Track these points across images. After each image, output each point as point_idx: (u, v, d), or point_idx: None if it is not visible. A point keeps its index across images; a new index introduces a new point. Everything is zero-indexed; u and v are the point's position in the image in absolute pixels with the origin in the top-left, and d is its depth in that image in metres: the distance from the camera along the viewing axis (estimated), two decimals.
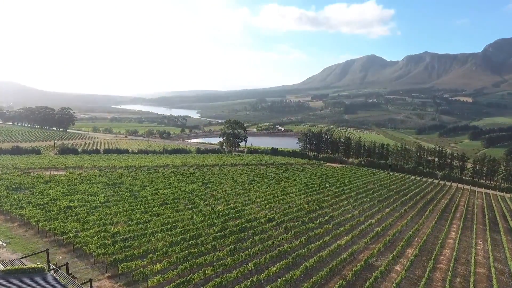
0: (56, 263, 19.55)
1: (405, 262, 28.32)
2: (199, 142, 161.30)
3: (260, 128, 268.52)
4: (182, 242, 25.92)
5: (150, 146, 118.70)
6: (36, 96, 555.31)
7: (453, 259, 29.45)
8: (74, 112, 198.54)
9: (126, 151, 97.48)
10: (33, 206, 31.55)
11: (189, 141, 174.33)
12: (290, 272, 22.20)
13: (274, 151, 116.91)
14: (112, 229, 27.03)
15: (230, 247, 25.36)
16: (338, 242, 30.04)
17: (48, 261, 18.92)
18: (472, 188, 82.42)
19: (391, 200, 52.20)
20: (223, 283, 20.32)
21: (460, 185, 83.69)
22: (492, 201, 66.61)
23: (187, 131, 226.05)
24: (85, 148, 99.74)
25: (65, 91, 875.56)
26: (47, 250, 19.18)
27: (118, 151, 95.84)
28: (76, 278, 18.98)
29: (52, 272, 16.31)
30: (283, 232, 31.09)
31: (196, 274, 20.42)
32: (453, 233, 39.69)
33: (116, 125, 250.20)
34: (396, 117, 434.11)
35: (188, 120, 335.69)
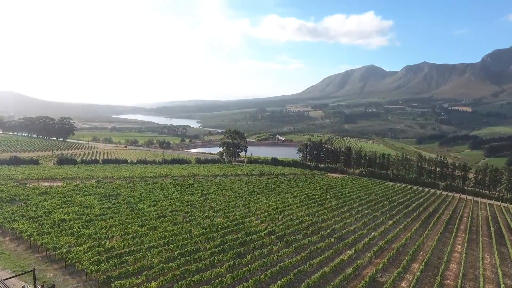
0: (43, 284, 18.51)
1: (411, 278, 27.25)
2: (199, 152, 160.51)
3: (260, 138, 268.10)
4: (179, 257, 24.95)
5: (150, 156, 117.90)
6: (37, 106, 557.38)
7: (460, 275, 28.36)
8: (74, 122, 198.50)
9: (125, 161, 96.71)
10: (26, 219, 30.66)
11: (189, 151, 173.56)
12: None
13: (274, 161, 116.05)
14: (107, 244, 26.09)
15: (229, 263, 24.38)
16: (341, 257, 29.02)
17: (35, 282, 17.89)
18: (475, 198, 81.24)
19: (394, 211, 51.17)
20: None
21: (462, 196, 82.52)
22: (496, 212, 65.43)
23: (187, 140, 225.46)
24: (84, 158, 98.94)
25: (66, 101, 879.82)
26: (33, 270, 18.12)
27: (117, 161, 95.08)
28: None
29: None
30: (284, 246, 30.09)
31: None
32: (459, 246, 38.59)
33: (116, 134, 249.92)
34: (396, 126, 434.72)
35: (188, 130, 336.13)
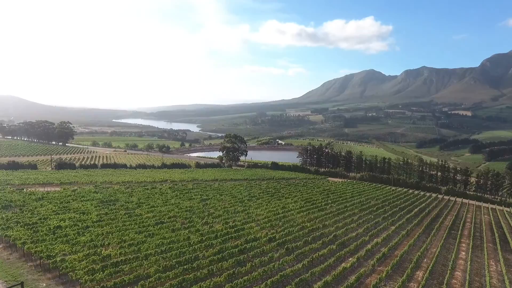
0: None
1: (415, 287, 26.48)
2: (199, 156, 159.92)
3: (260, 142, 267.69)
4: (177, 266, 24.20)
5: (149, 160, 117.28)
6: (37, 110, 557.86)
7: (467, 284, 27.58)
8: (74, 126, 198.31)
9: (124, 166, 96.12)
10: (21, 226, 29.94)
11: (188, 155, 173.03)
12: None
13: (275, 166, 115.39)
14: (102, 252, 25.35)
15: (229, 271, 23.63)
16: (344, 264, 28.27)
17: None
18: (477, 203, 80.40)
19: (396, 217, 50.38)
20: None
21: (464, 200, 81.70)
22: (499, 217, 64.59)
23: (186, 145, 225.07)
24: (83, 162, 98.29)
25: (66, 105, 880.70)
26: (21, 283, 17.34)
27: (116, 166, 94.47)
28: None
29: None
30: (285, 254, 29.34)
31: None
32: (463, 253, 37.79)
33: (116, 139, 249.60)
34: (396, 130, 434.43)
35: (188, 134, 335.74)
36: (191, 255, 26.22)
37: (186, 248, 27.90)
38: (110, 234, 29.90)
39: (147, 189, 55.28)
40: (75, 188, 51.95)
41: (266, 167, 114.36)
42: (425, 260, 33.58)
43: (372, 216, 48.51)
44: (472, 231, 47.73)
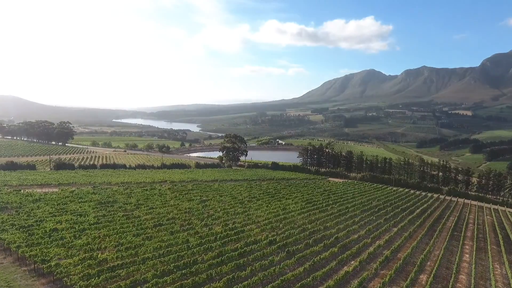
0: None
1: None
2: (199, 157, 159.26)
3: (260, 142, 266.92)
4: (175, 270, 23.57)
5: (149, 160, 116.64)
6: (37, 110, 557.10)
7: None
8: (73, 126, 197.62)
9: (124, 166, 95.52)
10: (16, 229, 29.34)
11: (188, 155, 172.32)
12: None
13: (275, 166, 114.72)
14: (99, 256, 24.72)
15: (228, 276, 23.01)
16: (346, 268, 27.64)
17: None
18: (479, 203, 79.71)
19: (398, 218, 49.72)
20: None
21: (466, 201, 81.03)
22: (502, 218, 63.91)
23: (187, 145, 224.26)
24: (82, 163, 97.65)
25: (67, 105, 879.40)
26: None
27: (115, 166, 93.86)
28: None
29: None
30: (285, 257, 28.71)
31: None
32: (467, 255, 37.15)
33: (116, 139, 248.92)
34: (396, 130, 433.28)
35: (189, 134, 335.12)
36: (189, 259, 25.61)
37: (184, 252, 27.28)
38: (107, 237, 29.28)
39: (146, 190, 54.65)
40: (73, 189, 51.34)
41: (266, 167, 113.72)
42: (429, 263, 32.95)
43: (374, 218, 47.88)
44: (475, 233, 47.05)
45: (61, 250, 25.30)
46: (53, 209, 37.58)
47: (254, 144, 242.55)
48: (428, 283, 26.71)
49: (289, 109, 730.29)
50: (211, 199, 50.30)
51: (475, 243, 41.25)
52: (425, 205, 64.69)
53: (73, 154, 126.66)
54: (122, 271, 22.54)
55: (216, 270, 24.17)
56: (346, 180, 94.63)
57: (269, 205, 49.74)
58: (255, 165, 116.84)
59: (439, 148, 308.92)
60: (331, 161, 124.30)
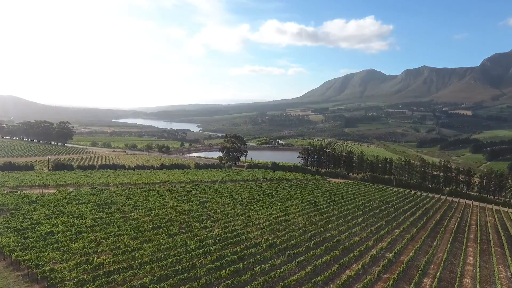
0: None
1: None
2: (199, 157, 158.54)
3: (260, 142, 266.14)
4: (173, 275, 22.94)
5: (148, 161, 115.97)
6: (37, 110, 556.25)
7: None
8: (73, 127, 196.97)
9: (123, 167, 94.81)
10: (11, 232, 28.69)
11: (188, 155, 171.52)
12: None
13: (275, 166, 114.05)
14: (95, 260, 24.08)
15: (227, 281, 22.36)
16: (348, 272, 27.02)
17: None
18: (481, 204, 79.12)
19: (400, 219, 49.11)
20: None
21: (468, 201, 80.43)
22: (504, 219, 63.29)
23: (186, 145, 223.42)
24: (81, 163, 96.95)
25: (66, 105, 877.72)
26: None
27: (114, 167, 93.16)
28: None
29: None
30: (286, 261, 28.07)
31: None
32: (471, 258, 36.53)
33: (115, 139, 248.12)
34: (396, 130, 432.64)
35: (188, 134, 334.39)
36: (188, 263, 24.96)
37: (183, 255, 26.63)
38: (104, 240, 28.65)
39: (145, 191, 54.00)
40: (71, 190, 50.70)
41: (267, 168, 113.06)
42: (432, 266, 32.33)
43: (376, 219, 47.26)
44: (478, 234, 46.46)
45: (56, 254, 24.65)
46: (50, 211, 36.93)
47: (254, 144, 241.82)
48: (432, 287, 26.09)
49: (289, 109, 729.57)
50: (211, 200, 49.67)
51: (478, 245, 40.65)
52: (427, 206, 64.09)
53: (72, 154, 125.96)
54: (119, 276, 21.90)
55: (215, 275, 23.53)
56: (347, 181, 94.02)
57: (269, 206, 49.11)
58: (255, 166, 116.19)
59: (439, 148, 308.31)
60: (331, 161, 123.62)
